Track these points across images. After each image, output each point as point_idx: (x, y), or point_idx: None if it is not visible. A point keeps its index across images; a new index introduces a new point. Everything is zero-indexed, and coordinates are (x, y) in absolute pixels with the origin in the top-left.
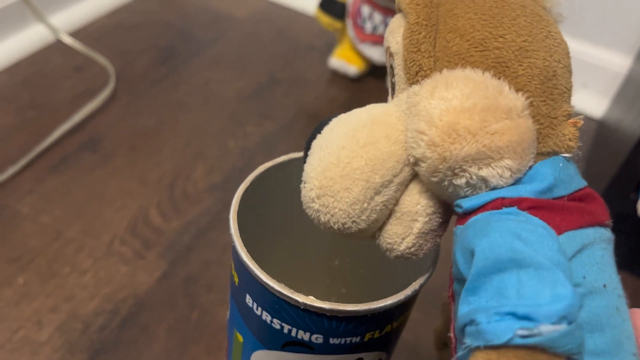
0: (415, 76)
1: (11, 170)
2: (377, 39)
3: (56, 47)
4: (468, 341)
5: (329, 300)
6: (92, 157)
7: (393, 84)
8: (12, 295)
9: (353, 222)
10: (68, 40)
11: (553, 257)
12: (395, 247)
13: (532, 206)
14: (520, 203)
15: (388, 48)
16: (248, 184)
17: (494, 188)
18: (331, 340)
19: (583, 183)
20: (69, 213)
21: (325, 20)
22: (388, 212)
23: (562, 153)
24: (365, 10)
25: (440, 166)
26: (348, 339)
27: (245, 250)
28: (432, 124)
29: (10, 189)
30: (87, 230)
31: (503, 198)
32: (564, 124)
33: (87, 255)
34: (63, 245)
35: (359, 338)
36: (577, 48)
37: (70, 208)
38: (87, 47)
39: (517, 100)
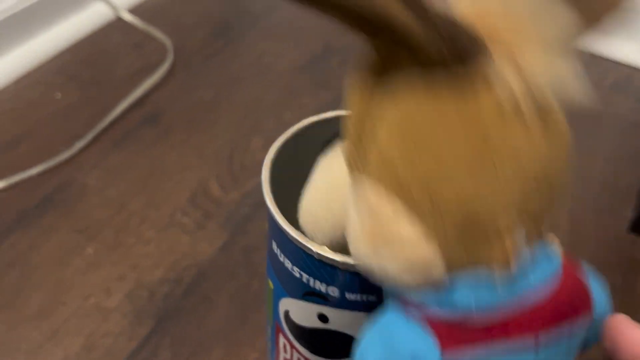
0: (351, 166)
1: (78, 145)
2: None
3: (116, 25)
4: None
5: None
6: (152, 131)
7: None
8: (81, 263)
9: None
10: (127, 17)
11: None
12: None
13: (429, 318)
14: (421, 310)
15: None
16: (289, 134)
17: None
18: (347, 296)
19: (528, 286)
20: (132, 186)
21: None
22: None
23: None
24: None
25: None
26: (364, 297)
27: (271, 196)
28: (352, 239)
29: (77, 164)
30: (150, 202)
31: (409, 300)
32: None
33: (150, 226)
34: (127, 216)
35: (375, 296)
36: None
37: (133, 181)
38: (145, 24)
39: (412, 232)
